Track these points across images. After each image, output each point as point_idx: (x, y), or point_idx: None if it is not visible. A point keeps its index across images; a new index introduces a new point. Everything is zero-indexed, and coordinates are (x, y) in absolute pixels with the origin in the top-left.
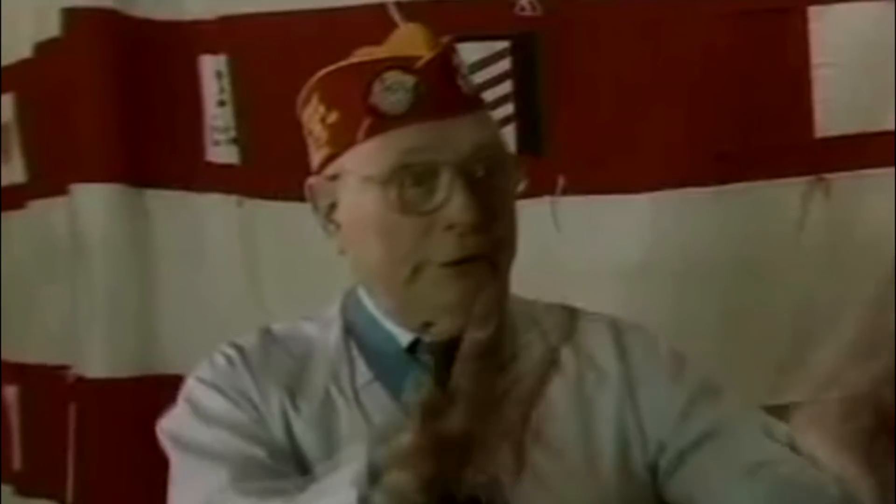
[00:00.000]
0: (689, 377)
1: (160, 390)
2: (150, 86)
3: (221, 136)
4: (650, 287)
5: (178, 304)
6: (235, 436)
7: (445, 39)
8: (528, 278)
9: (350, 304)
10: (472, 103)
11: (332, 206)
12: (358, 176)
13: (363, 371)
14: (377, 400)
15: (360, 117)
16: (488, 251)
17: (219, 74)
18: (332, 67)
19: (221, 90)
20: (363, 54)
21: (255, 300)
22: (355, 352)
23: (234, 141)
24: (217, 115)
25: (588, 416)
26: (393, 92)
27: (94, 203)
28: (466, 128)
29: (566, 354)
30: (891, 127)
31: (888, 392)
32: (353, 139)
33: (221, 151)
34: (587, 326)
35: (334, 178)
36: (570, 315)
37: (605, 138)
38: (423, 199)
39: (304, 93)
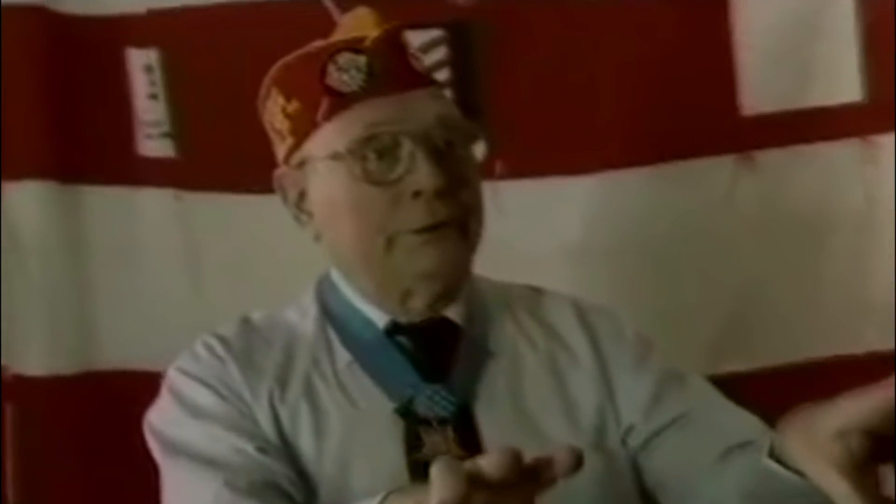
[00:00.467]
0: (655, 360)
1: (101, 387)
2: (80, 82)
3: (154, 130)
4: (590, 266)
5: (116, 299)
6: (225, 430)
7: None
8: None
9: (325, 290)
10: (426, 79)
11: (302, 195)
12: (323, 158)
13: (342, 355)
14: (357, 381)
15: (318, 101)
16: (458, 216)
17: (149, 68)
18: (287, 58)
19: (153, 83)
20: (318, 42)
21: (195, 293)
22: (332, 336)
23: (168, 135)
24: (149, 108)
25: (565, 396)
26: (346, 72)
27: (26, 200)
28: (424, 101)
29: (536, 332)
30: (814, 104)
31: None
32: (314, 123)
33: (155, 145)
34: (551, 304)
35: (301, 165)
36: (536, 294)
37: (542, 123)
38: (388, 169)
39: (263, 88)
